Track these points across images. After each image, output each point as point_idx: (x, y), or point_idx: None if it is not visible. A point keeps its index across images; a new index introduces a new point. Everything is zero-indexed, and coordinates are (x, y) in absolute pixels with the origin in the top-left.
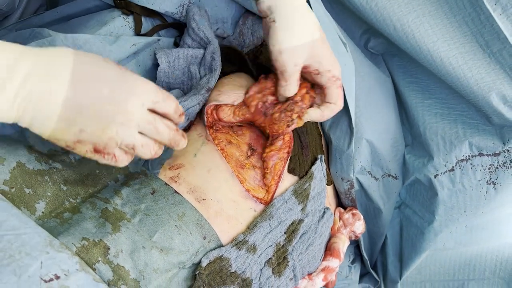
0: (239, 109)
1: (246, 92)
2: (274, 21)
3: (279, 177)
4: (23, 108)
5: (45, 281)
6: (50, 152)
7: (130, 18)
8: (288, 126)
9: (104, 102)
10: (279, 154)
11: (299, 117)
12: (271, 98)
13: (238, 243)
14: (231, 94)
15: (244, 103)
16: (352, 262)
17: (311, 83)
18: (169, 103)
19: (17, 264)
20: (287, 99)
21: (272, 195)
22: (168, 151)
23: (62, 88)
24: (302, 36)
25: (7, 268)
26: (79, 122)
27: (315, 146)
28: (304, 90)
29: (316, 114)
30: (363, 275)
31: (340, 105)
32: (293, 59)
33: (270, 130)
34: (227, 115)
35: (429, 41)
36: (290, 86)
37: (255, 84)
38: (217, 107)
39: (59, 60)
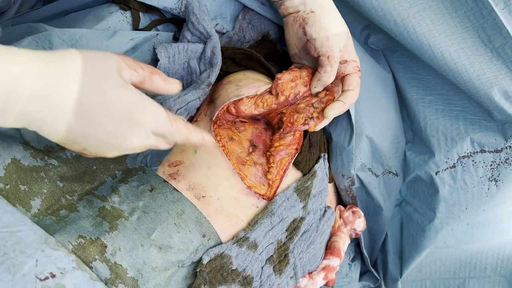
0: (261, 99)
1: (276, 80)
2: (313, 11)
3: (284, 172)
4: (25, 125)
5: (41, 280)
6: (46, 148)
7: (128, 13)
8: (305, 123)
9: (108, 135)
10: (287, 149)
11: (318, 117)
12: (303, 90)
13: (239, 240)
14: (251, 86)
15: (271, 92)
16: (352, 260)
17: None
18: (176, 130)
19: (11, 262)
20: (317, 94)
21: (275, 190)
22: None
23: (65, 119)
24: (340, 25)
25: (1, 266)
26: (83, 144)
27: (319, 144)
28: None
29: (339, 105)
30: (363, 273)
31: (357, 93)
32: (338, 44)
33: (287, 120)
34: (247, 107)
35: (430, 36)
36: (334, 72)
37: (288, 72)
38: (237, 101)
39: (64, 84)
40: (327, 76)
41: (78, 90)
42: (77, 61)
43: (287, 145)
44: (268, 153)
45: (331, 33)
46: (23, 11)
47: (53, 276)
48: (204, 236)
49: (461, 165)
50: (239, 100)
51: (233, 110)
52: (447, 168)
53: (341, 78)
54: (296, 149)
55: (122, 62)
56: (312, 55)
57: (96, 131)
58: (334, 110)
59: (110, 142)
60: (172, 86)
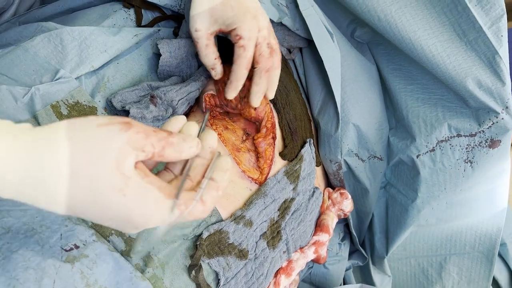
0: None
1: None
2: None
3: (271, 161)
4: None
5: (66, 250)
6: None
7: (131, 11)
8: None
9: (113, 226)
10: (265, 140)
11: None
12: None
13: (236, 218)
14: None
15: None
16: (342, 240)
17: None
18: (186, 216)
19: (39, 236)
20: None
21: (266, 177)
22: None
23: (60, 211)
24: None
25: (31, 239)
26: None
27: (304, 131)
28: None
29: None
30: (352, 253)
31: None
32: (195, 24)
33: (244, 115)
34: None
35: (411, 30)
36: (204, 54)
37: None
38: (210, 95)
39: (51, 183)
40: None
41: (66, 191)
42: (63, 153)
43: (264, 137)
44: (254, 147)
45: (191, 13)
46: (21, 10)
47: (76, 247)
48: (210, 215)
49: (440, 148)
50: (211, 94)
51: (212, 101)
52: (427, 152)
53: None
54: (273, 138)
55: (127, 145)
56: None
57: (97, 222)
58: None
59: (110, 224)
60: (187, 154)
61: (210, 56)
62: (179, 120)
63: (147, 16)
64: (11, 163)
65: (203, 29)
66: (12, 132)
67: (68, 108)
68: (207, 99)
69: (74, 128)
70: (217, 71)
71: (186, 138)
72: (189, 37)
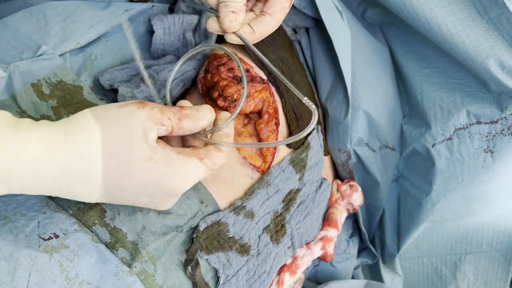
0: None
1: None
2: None
3: (275, 148)
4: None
5: (44, 239)
6: (42, 117)
7: None
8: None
9: (147, 205)
10: (268, 127)
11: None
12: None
13: (236, 208)
14: None
15: None
16: (350, 237)
17: None
18: (217, 162)
19: (13, 224)
20: None
21: (269, 165)
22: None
23: (97, 194)
24: None
25: (3, 228)
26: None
27: (310, 116)
28: None
29: (244, 31)
30: (361, 250)
31: (278, 19)
32: None
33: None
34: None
35: (426, 7)
36: None
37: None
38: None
39: (85, 166)
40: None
41: (102, 172)
42: (96, 137)
43: (266, 123)
44: (256, 132)
45: None
46: None
47: (56, 236)
48: (202, 202)
49: (457, 137)
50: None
51: (209, 81)
52: (444, 140)
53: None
54: (276, 124)
55: (147, 121)
56: None
57: (133, 203)
58: (234, 37)
59: (152, 206)
60: (203, 122)
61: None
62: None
63: None
64: (49, 158)
65: None
66: (38, 129)
67: (51, 87)
68: (202, 80)
69: (98, 113)
70: (238, 18)
71: (198, 108)
72: (187, 12)
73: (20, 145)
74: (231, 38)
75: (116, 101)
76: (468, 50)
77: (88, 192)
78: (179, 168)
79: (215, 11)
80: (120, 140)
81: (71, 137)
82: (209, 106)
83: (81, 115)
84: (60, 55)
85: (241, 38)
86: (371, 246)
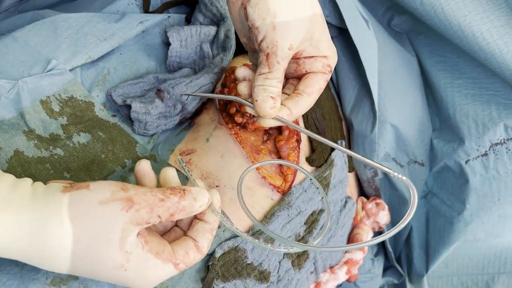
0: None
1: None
2: None
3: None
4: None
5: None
6: (51, 136)
7: None
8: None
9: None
10: (288, 144)
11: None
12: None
13: (255, 233)
14: None
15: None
16: (375, 255)
17: None
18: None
19: None
20: None
21: (290, 185)
22: (178, 136)
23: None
24: (303, 5)
25: (8, 259)
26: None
27: (334, 131)
28: None
29: (284, 114)
30: (387, 269)
31: (313, 100)
32: (291, 37)
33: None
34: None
35: (460, 14)
36: (275, 77)
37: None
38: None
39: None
40: (262, 79)
41: (70, 268)
42: (67, 240)
43: (286, 140)
44: (276, 149)
45: (281, 20)
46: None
47: None
48: (219, 226)
49: (494, 152)
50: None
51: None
52: (478, 156)
53: (300, 77)
54: (297, 141)
55: (129, 224)
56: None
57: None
58: (273, 121)
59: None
60: (196, 211)
61: (276, 85)
62: (169, 172)
63: (156, 1)
64: (15, 237)
65: (295, 46)
66: (14, 201)
67: (61, 104)
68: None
69: (76, 206)
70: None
71: (196, 197)
72: (204, 23)
73: None
74: (268, 123)
75: (129, 117)
76: (505, 60)
77: (55, 270)
78: (150, 273)
79: (241, 97)
80: (93, 244)
81: (41, 234)
82: (207, 193)
83: (59, 209)
84: (70, 70)
85: (281, 121)
86: (397, 265)
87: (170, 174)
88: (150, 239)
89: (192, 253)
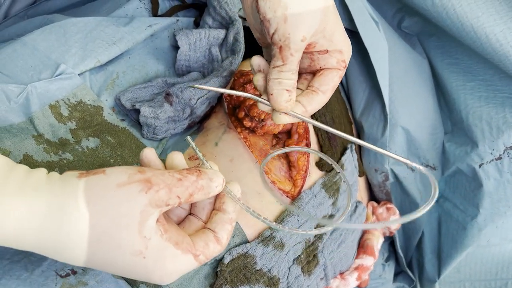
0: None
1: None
2: None
3: (305, 171)
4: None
5: (61, 276)
6: (60, 141)
7: (146, 0)
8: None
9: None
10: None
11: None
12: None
13: (265, 239)
14: None
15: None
16: (386, 260)
17: None
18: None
19: (28, 259)
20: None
21: (300, 190)
22: (186, 141)
23: (79, 264)
24: None
25: (18, 264)
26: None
27: None
28: None
29: (298, 111)
30: (398, 274)
31: (327, 97)
32: (303, 29)
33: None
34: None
35: (472, 16)
36: (289, 70)
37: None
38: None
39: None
40: (276, 72)
41: (86, 254)
42: (83, 224)
43: (296, 144)
44: (286, 153)
45: (292, 12)
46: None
47: (74, 272)
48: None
49: (508, 156)
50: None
51: (235, 99)
52: (492, 160)
53: (314, 72)
54: (307, 145)
55: (148, 206)
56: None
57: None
58: (287, 117)
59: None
60: (213, 193)
61: (292, 76)
62: (176, 157)
63: (165, 5)
64: (31, 223)
65: (308, 38)
66: (23, 198)
67: (70, 109)
68: (228, 98)
69: (92, 190)
70: (292, 98)
71: (212, 177)
72: (213, 26)
73: (4, 208)
74: (284, 120)
75: (138, 122)
76: None
77: (70, 262)
78: (169, 263)
79: (254, 95)
80: (111, 229)
81: (57, 219)
82: (220, 174)
83: (74, 194)
84: (79, 74)
85: (297, 117)
86: (408, 271)
87: (177, 158)
88: (169, 228)
89: (212, 244)
